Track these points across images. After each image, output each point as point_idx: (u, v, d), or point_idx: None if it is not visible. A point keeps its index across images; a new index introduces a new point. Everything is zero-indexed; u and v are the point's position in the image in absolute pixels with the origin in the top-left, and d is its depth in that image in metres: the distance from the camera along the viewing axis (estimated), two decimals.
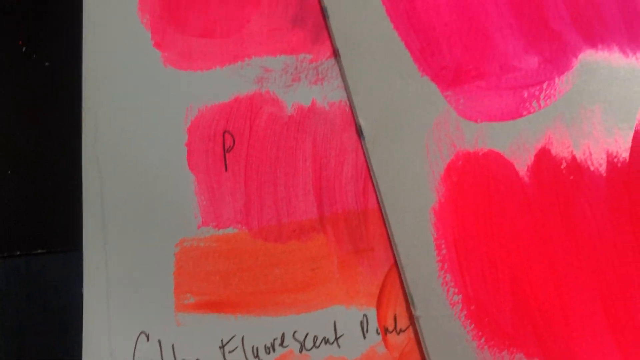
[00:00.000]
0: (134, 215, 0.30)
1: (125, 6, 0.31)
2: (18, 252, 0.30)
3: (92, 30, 0.31)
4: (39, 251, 0.30)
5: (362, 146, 0.30)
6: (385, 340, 0.29)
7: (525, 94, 0.29)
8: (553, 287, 0.28)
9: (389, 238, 0.29)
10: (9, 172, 0.31)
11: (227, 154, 0.30)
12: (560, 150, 0.29)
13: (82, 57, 0.31)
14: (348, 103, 0.31)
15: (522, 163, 0.29)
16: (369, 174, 0.30)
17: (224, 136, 0.30)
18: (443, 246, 0.29)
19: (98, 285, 0.29)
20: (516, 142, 0.29)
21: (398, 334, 0.29)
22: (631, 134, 0.29)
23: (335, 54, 0.31)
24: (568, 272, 0.28)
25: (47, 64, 0.32)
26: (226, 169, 0.30)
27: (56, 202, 0.31)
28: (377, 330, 0.29)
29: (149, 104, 0.30)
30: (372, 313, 0.29)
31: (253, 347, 0.29)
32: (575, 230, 0.28)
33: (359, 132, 0.30)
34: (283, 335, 0.29)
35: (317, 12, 0.31)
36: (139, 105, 0.30)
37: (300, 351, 0.29)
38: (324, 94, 0.31)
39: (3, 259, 0.30)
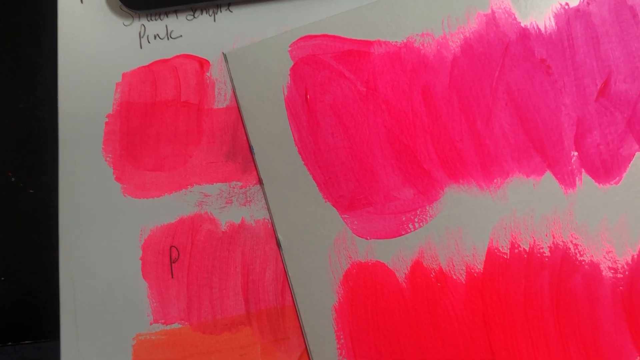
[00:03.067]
0: (101, 315, 0.38)
1: (93, 148, 0.39)
2: (10, 343, 0.39)
3: (67, 169, 0.39)
4: (27, 342, 0.39)
5: (280, 255, 0.39)
6: None
7: (403, 218, 0.37)
8: None
9: (301, 329, 0.38)
10: (3, 278, 0.39)
11: (173, 265, 0.38)
12: (430, 262, 0.37)
13: (58, 189, 0.39)
14: (270, 221, 0.39)
15: (401, 272, 0.37)
16: (286, 277, 0.38)
17: (170, 250, 0.39)
18: (342, 337, 0.37)
19: None
20: (396, 255, 0.37)
21: None
22: (485, 250, 0.37)
23: (260, 182, 0.39)
24: (435, 357, 0.36)
25: (31, 191, 0.40)
26: (172, 277, 0.38)
27: (39, 303, 0.39)
28: None
29: (112, 227, 0.39)
30: None
31: None
32: (440, 327, 0.36)
33: (278, 244, 0.39)
34: None
35: (245, 149, 0.40)
36: (104, 228, 0.39)
37: None
38: (251, 213, 0.39)
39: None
